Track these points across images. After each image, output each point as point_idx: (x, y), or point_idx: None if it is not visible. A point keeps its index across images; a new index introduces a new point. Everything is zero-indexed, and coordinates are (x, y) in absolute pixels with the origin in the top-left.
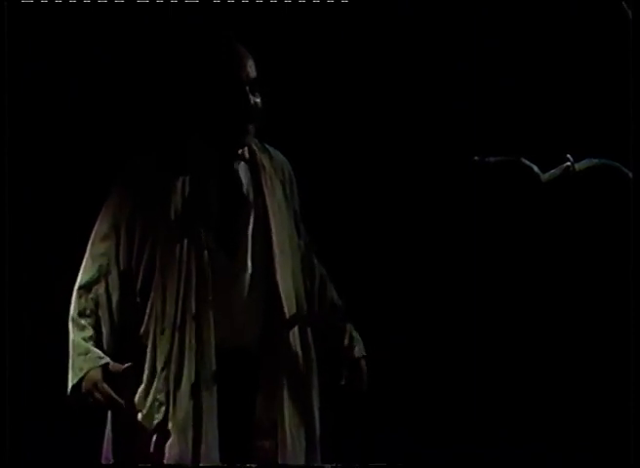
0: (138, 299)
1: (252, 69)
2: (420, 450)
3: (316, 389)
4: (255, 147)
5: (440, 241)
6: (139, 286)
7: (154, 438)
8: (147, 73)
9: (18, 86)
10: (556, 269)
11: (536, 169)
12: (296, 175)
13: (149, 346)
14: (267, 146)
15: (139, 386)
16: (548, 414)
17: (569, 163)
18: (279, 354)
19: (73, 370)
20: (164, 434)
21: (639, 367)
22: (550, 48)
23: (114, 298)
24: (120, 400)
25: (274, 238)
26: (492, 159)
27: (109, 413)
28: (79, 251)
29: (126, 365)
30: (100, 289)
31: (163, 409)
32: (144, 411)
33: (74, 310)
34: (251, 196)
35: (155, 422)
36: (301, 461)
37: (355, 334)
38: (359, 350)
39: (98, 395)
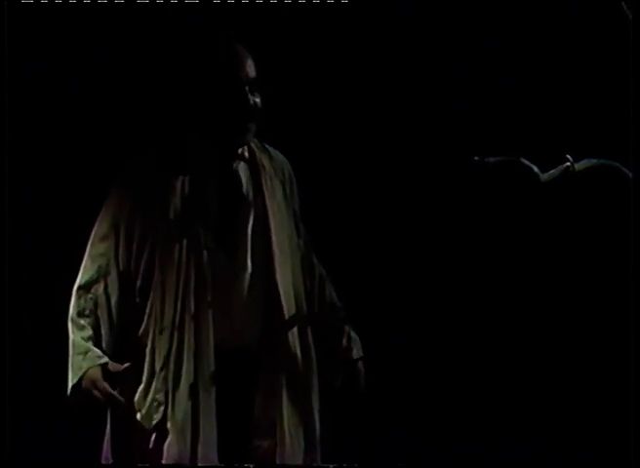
0: (137, 299)
1: (251, 69)
2: (420, 450)
3: (316, 389)
4: (254, 147)
5: (440, 241)
6: (138, 286)
7: (153, 438)
8: (147, 73)
9: (18, 86)
10: (556, 269)
11: (535, 169)
12: (296, 176)
13: (148, 346)
14: (267, 146)
15: (138, 386)
16: (548, 414)
17: (568, 163)
18: (279, 354)
19: (73, 370)
20: (163, 434)
21: (639, 367)
22: (550, 48)
23: (113, 298)
24: (120, 398)
25: (274, 238)
26: (491, 159)
27: (109, 413)
28: (79, 251)
29: (125, 365)
30: (100, 289)
31: (162, 408)
32: (143, 411)
33: (73, 310)
34: (250, 196)
35: (154, 423)
36: (300, 461)
37: (354, 336)
38: (357, 351)
39: (97, 393)
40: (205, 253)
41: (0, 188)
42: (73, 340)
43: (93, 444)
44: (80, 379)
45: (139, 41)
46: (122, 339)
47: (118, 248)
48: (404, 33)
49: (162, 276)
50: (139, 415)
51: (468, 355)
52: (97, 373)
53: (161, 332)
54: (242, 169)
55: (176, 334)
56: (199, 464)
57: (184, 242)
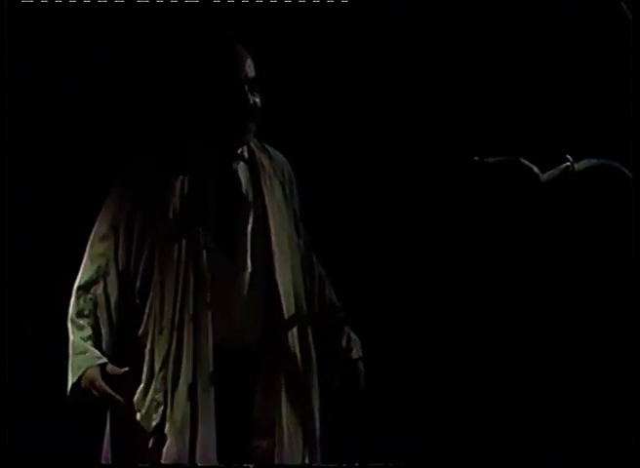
0: (136, 300)
1: (250, 69)
2: (420, 450)
3: (316, 389)
4: (254, 147)
5: (440, 241)
6: (137, 286)
7: (152, 438)
8: (147, 73)
9: (18, 86)
10: (556, 270)
11: (535, 169)
12: (296, 176)
13: (148, 346)
14: (267, 146)
15: (138, 386)
16: (548, 414)
17: (568, 163)
18: (278, 354)
19: (72, 370)
20: (162, 434)
21: (639, 367)
22: (550, 48)
23: (113, 299)
24: (119, 397)
25: (273, 238)
26: (491, 159)
27: (109, 414)
28: (79, 251)
29: (124, 369)
30: (99, 289)
31: (161, 409)
32: (143, 412)
33: (73, 310)
34: (250, 196)
35: (153, 423)
36: (298, 461)
37: (353, 336)
38: (357, 351)
39: (96, 393)
40: (204, 253)
41: (0, 188)
42: (73, 340)
43: (93, 444)
44: (79, 379)
45: (139, 41)
46: (121, 339)
47: (118, 248)
48: (404, 33)
49: (161, 276)
50: (138, 416)
51: (468, 355)
52: (95, 373)
53: (160, 333)
54: (242, 169)
55: (175, 335)
56: (198, 464)
57: (184, 242)
